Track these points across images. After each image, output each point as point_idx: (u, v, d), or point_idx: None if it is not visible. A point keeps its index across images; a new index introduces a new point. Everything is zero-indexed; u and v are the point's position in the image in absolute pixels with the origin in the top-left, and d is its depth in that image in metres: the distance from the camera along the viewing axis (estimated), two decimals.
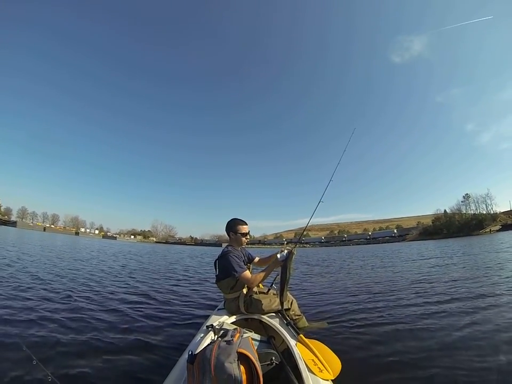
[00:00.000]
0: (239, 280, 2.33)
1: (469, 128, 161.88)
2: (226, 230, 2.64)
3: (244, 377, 1.22)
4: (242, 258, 2.51)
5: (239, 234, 2.57)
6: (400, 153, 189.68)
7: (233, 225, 2.60)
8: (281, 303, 2.26)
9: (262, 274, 2.37)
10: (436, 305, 4.11)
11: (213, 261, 2.56)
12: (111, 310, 4.13)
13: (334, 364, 1.69)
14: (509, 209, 64.18)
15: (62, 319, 3.54)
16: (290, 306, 2.43)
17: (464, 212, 66.24)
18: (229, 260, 2.34)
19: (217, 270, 2.50)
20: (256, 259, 2.88)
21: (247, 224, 2.64)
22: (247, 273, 2.34)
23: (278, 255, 2.34)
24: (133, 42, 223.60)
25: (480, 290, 4.95)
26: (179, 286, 6.79)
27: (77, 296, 4.76)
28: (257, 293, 2.49)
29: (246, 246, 2.80)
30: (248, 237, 2.66)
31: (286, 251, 2.31)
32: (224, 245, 2.70)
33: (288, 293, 2.53)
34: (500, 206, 64.57)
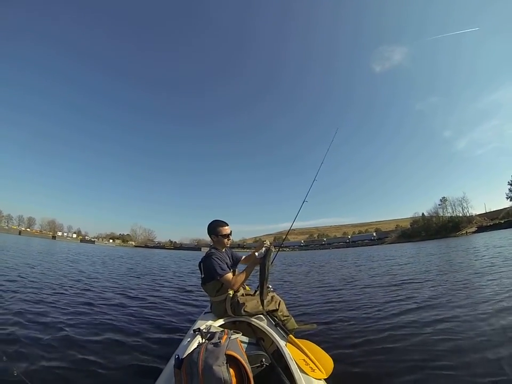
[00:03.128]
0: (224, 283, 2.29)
1: (447, 135, 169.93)
2: (208, 233, 2.58)
3: (234, 380, 1.18)
4: (226, 260, 2.44)
5: (220, 236, 2.52)
6: (383, 160, 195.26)
7: (214, 227, 2.53)
8: (262, 301, 2.20)
9: (243, 275, 2.33)
10: (422, 303, 4.17)
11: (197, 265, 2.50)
12: (94, 313, 4.00)
13: (326, 363, 1.67)
14: (485, 212, 66.20)
15: (44, 319, 3.44)
16: (278, 307, 2.40)
17: (441, 214, 67.57)
18: (212, 262, 2.30)
19: (202, 272, 2.44)
20: (243, 257, 2.85)
21: (228, 225, 2.57)
22: (229, 275, 2.29)
23: (256, 253, 2.31)
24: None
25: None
26: (165, 289, 6.63)
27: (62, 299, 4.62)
28: (244, 295, 2.45)
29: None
30: (231, 238, 2.60)
31: (264, 248, 2.28)
32: (203, 248, 2.63)
33: (275, 293, 2.52)
34: (476, 209, 66.69)
